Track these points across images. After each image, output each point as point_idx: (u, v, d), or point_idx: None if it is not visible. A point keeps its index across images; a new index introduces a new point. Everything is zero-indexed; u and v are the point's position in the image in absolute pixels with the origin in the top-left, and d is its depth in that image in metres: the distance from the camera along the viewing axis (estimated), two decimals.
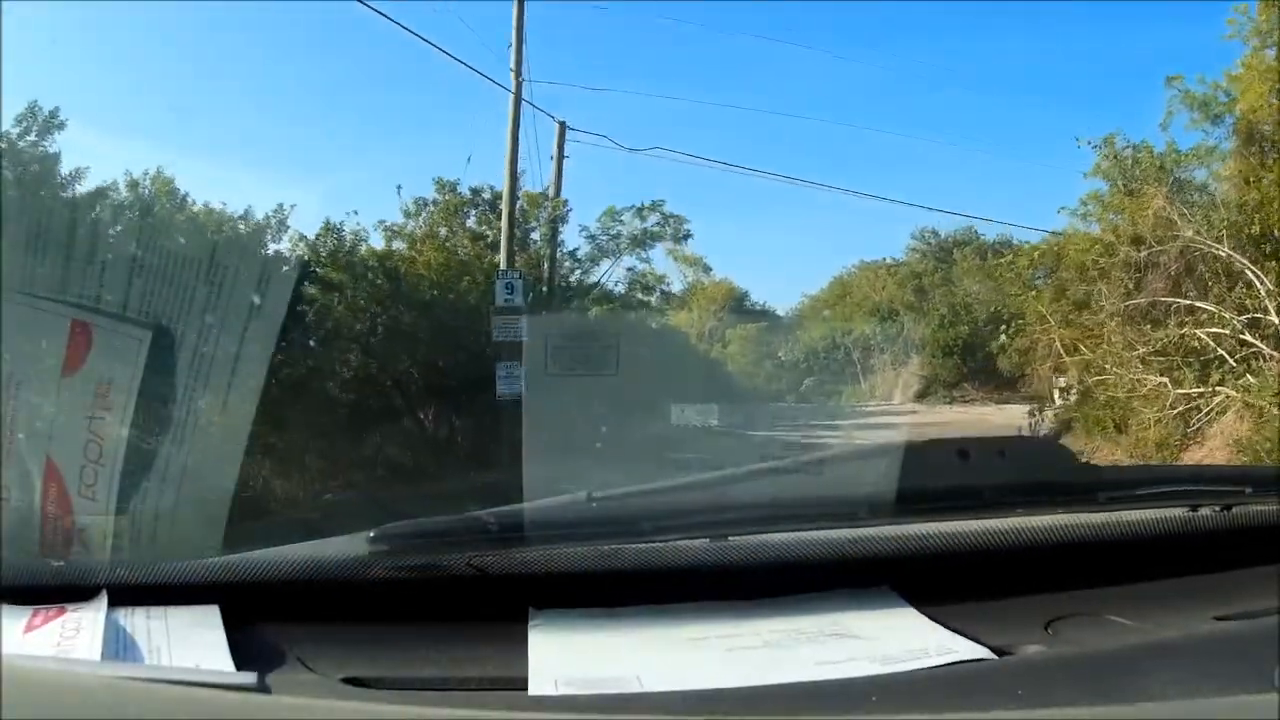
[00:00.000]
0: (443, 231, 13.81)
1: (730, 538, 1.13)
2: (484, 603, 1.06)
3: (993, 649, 0.96)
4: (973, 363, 27.29)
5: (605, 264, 16.62)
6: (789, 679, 0.91)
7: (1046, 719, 0.82)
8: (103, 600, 1.02)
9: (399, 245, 13.23)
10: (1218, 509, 1.21)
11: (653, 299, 18.49)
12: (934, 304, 29.78)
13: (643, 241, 16.82)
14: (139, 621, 1.00)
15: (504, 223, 12.74)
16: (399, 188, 13.93)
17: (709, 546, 1.12)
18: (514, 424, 9.01)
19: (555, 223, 14.80)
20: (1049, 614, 1.06)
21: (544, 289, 14.31)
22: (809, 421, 20.50)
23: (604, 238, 16.45)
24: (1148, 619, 1.05)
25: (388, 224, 13.26)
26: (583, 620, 1.05)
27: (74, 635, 0.96)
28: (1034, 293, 14.09)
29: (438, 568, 1.07)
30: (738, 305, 33.31)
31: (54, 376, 1.50)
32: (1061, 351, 12.33)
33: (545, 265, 14.69)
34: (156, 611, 1.02)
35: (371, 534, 1.07)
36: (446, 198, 13.83)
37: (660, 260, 17.92)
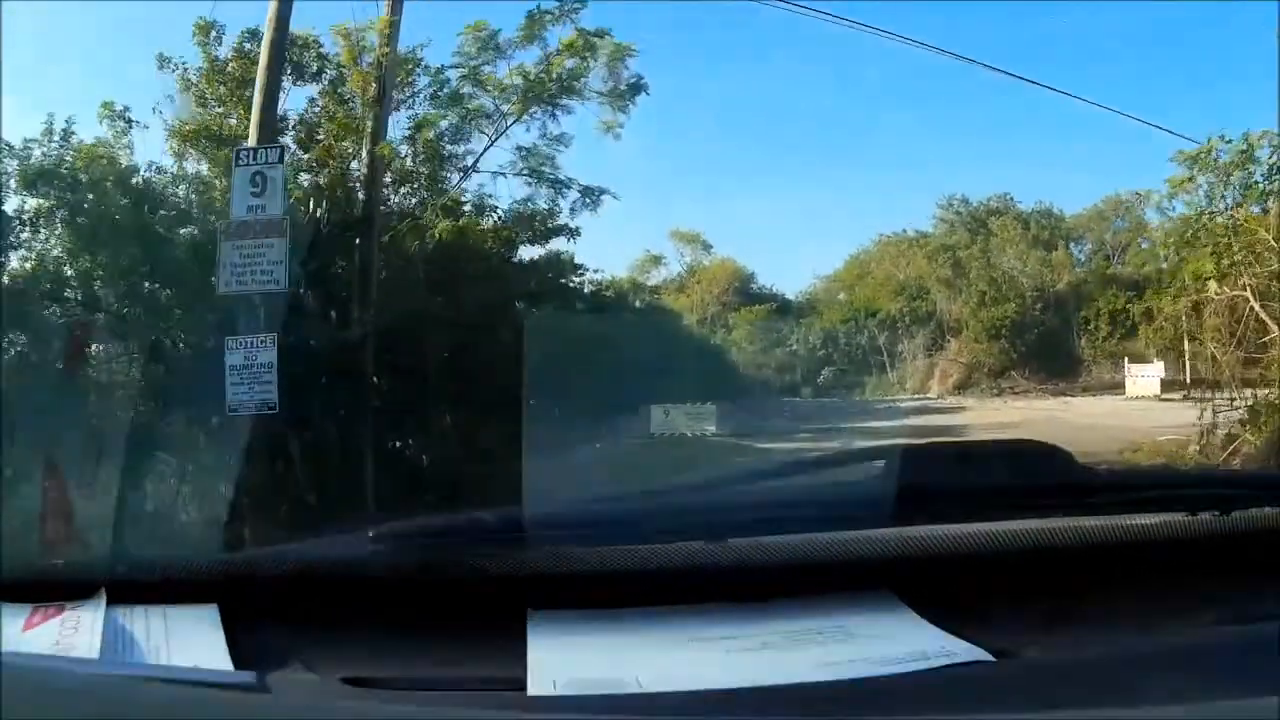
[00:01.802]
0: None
1: (730, 539, 1.13)
2: (484, 603, 1.06)
3: (993, 652, 0.96)
4: (1022, 347, 24.73)
5: (478, 141, 8.68)
6: (789, 680, 0.91)
7: None
8: (102, 599, 1.02)
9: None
10: (1217, 513, 1.21)
11: (566, 207, 9.11)
12: (972, 279, 26.34)
13: (549, 90, 8.52)
14: (138, 620, 1.00)
15: (263, 54, 6.74)
16: None
17: (708, 548, 1.12)
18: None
19: (382, 71, 7.78)
20: (1049, 617, 1.06)
21: (352, 197, 8.09)
22: (837, 423, 18.31)
23: (469, 88, 8.53)
24: (1147, 623, 1.05)
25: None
26: (582, 621, 1.05)
27: (73, 634, 0.96)
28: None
29: (438, 568, 1.07)
30: (743, 288, 30.00)
31: (54, 377, 1.50)
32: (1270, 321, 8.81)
33: (359, 149, 8.02)
34: (156, 610, 1.02)
35: (371, 534, 1.07)
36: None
37: (586, 141, 9.08)
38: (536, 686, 0.91)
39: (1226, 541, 1.20)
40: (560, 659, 0.96)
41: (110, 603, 1.01)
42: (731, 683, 0.90)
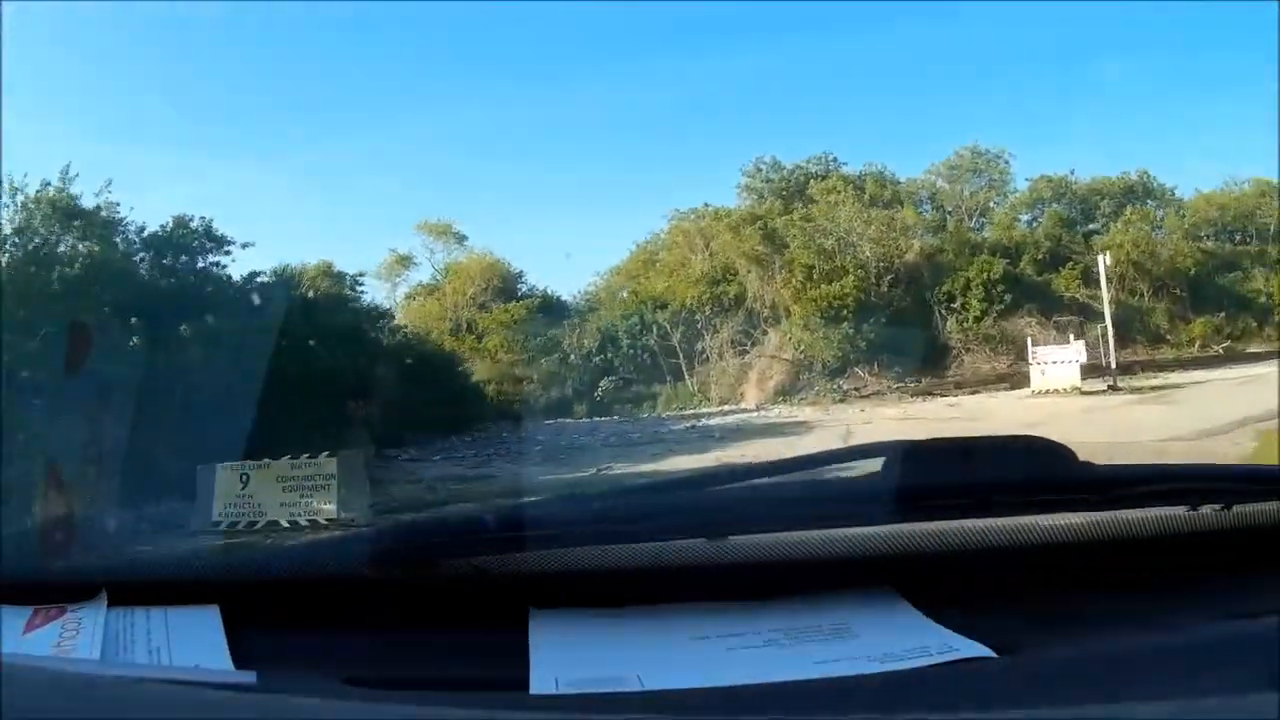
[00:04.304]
0: None
1: (730, 537, 1.13)
2: (484, 602, 1.06)
3: (994, 648, 0.96)
4: (871, 333, 18.79)
5: None
6: (790, 678, 0.91)
7: (1047, 718, 0.81)
8: (103, 600, 1.02)
9: None
10: (1219, 508, 1.20)
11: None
12: (793, 252, 20.29)
13: None
14: (139, 621, 1.00)
15: None
16: None
17: (709, 546, 1.12)
18: None
19: None
20: (1050, 613, 1.06)
21: None
22: (605, 463, 12.26)
23: None
24: (1148, 618, 1.05)
25: None
26: (583, 620, 1.05)
27: (74, 635, 0.96)
28: None
29: (438, 567, 1.07)
30: (506, 287, 24.44)
31: (54, 377, 1.50)
32: None
33: None
34: (156, 611, 1.02)
35: (372, 533, 1.07)
36: None
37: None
38: (538, 685, 0.91)
39: (1228, 536, 1.20)
40: (562, 658, 0.96)
41: (111, 604, 1.01)
42: (733, 680, 0.90)
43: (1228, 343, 25.98)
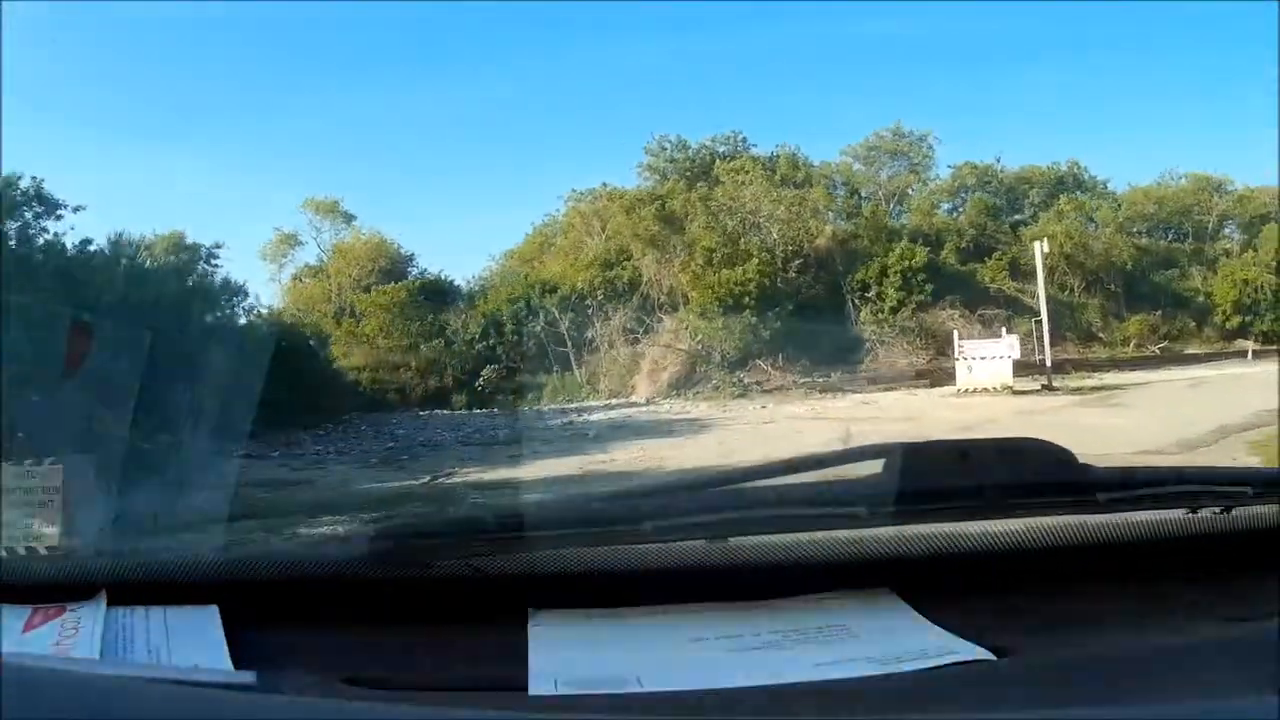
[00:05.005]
0: None
1: (731, 539, 1.13)
2: (484, 603, 1.06)
3: (993, 650, 0.96)
4: (776, 322, 17.48)
5: None
6: (789, 680, 0.91)
7: None
8: (102, 599, 1.02)
9: None
10: (1218, 510, 1.20)
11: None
12: (692, 234, 18.86)
13: None
14: (138, 620, 1.00)
15: None
16: None
17: (709, 547, 1.12)
18: None
19: None
20: (1050, 615, 1.06)
21: None
22: (448, 467, 10.96)
23: None
24: (1148, 621, 1.05)
25: None
26: (583, 620, 1.05)
27: (73, 634, 0.96)
28: None
29: (437, 567, 1.07)
30: (396, 270, 22.66)
31: (54, 377, 1.50)
32: None
33: None
34: (156, 610, 1.02)
35: (371, 533, 1.07)
36: None
37: None
38: (537, 686, 0.91)
39: (1228, 539, 1.20)
40: (561, 659, 0.96)
41: (111, 603, 1.02)
42: (733, 682, 0.90)
43: (1164, 343, 25.01)
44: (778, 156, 21.80)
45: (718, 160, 21.41)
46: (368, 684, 0.92)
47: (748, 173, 19.60)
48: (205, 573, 1.09)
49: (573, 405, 16.77)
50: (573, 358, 18.75)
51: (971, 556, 1.11)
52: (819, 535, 1.12)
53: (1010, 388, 16.31)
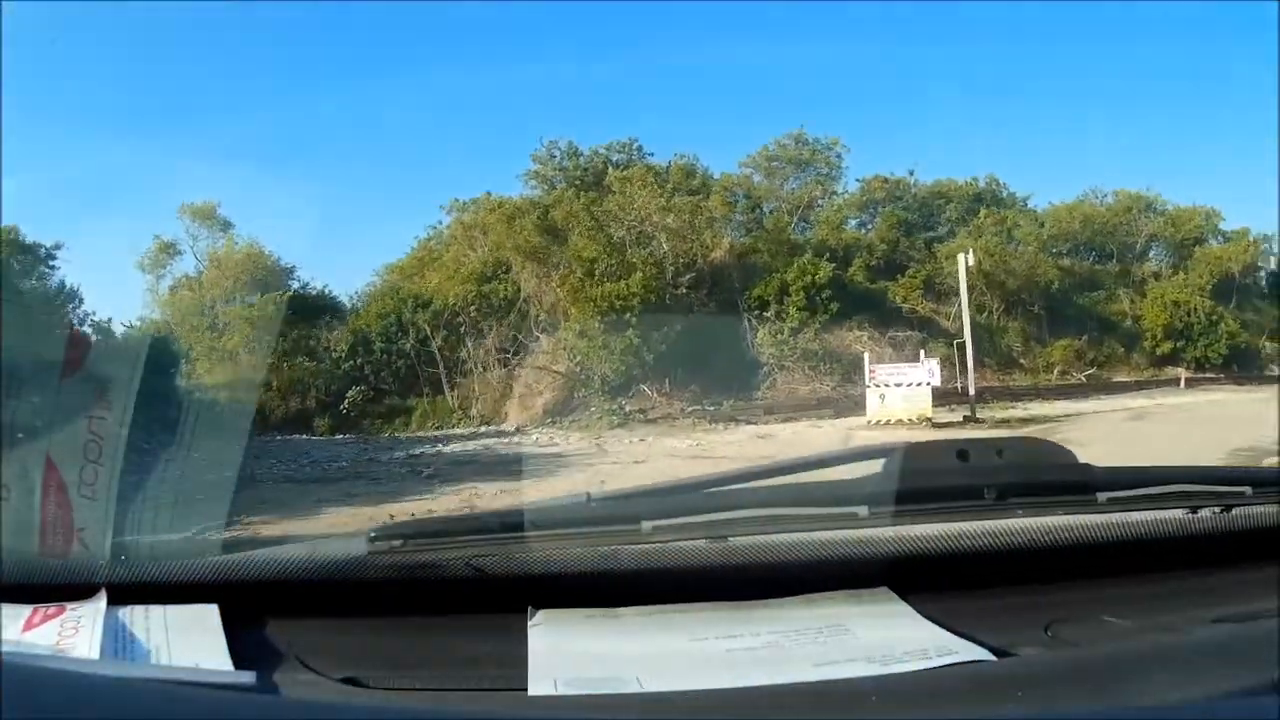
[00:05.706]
0: None
1: (729, 539, 1.13)
2: (484, 602, 1.07)
3: (992, 650, 0.96)
4: (661, 345, 15.39)
5: None
6: (789, 679, 0.91)
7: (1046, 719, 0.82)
8: (102, 599, 1.02)
9: None
10: (1218, 510, 1.21)
11: None
12: (574, 245, 17.06)
13: None
14: (138, 620, 1.00)
15: None
16: None
17: (708, 547, 1.12)
18: None
19: None
20: (1049, 615, 1.06)
21: None
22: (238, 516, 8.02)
23: None
24: (1147, 620, 1.05)
25: None
26: (583, 620, 1.05)
27: (73, 634, 0.96)
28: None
29: (438, 567, 1.07)
30: (274, 281, 20.92)
31: (54, 377, 1.50)
32: None
33: None
34: (155, 610, 1.02)
35: (371, 533, 1.07)
36: None
37: None
38: (537, 686, 0.91)
39: (1227, 539, 1.20)
40: (561, 658, 0.96)
41: (110, 603, 1.01)
42: (732, 682, 0.90)
43: (1091, 369, 23.44)
44: (673, 166, 20.25)
45: (611, 169, 19.76)
46: (367, 684, 0.92)
47: (640, 180, 17.84)
48: (205, 572, 1.09)
49: (437, 433, 15.00)
50: (444, 379, 17.08)
51: (971, 556, 1.11)
52: (818, 535, 1.12)
53: (929, 419, 14.62)
